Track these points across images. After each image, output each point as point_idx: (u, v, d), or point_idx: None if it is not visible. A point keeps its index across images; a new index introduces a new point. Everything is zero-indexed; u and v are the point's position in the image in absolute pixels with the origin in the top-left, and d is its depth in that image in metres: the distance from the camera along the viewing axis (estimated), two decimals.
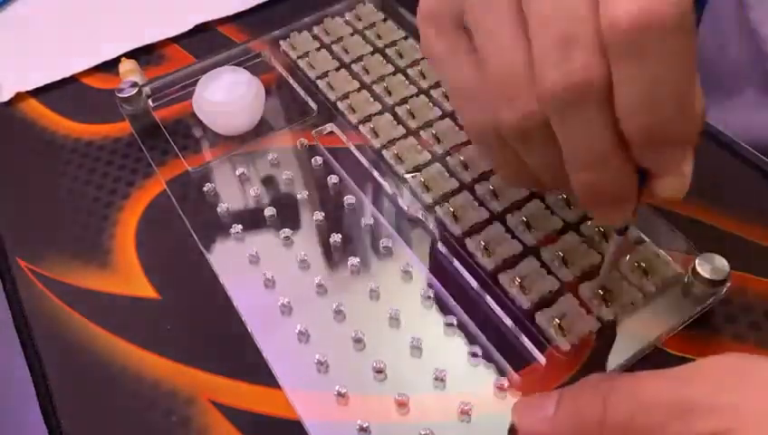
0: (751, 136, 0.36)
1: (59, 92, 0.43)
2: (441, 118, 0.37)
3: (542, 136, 0.22)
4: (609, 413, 0.21)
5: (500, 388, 0.27)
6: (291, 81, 0.40)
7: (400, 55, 0.40)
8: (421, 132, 0.36)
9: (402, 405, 0.27)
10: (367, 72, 0.40)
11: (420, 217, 0.33)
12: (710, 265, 0.28)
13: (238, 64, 0.40)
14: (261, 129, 0.38)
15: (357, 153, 0.36)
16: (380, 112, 0.37)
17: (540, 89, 0.20)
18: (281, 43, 0.43)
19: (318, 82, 0.40)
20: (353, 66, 0.40)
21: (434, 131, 0.36)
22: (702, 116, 0.21)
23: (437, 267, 0.31)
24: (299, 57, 0.41)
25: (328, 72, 0.40)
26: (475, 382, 0.27)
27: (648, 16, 0.18)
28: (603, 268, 0.28)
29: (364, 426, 0.26)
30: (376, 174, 0.35)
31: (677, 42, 0.18)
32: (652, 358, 0.28)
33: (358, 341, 0.29)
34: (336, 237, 0.32)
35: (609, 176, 0.21)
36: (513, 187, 0.31)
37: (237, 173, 0.36)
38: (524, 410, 0.24)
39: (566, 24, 0.19)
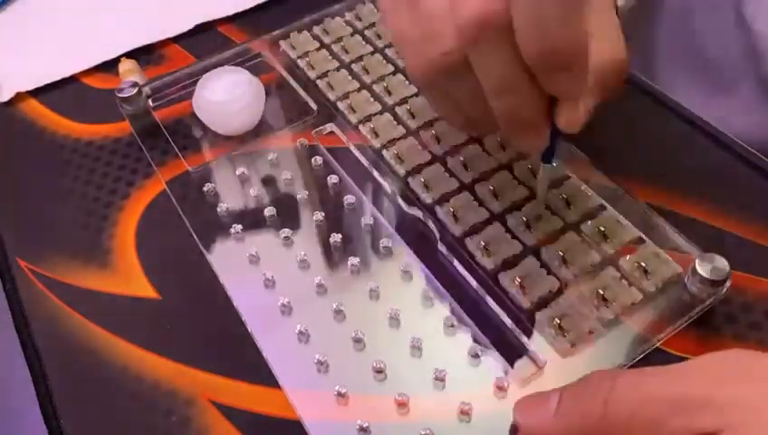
0: (748, 134, 0.36)
1: (59, 92, 0.43)
2: (441, 118, 0.37)
3: (464, 71, 0.25)
4: (611, 409, 0.21)
5: (500, 388, 0.27)
6: (291, 81, 0.40)
7: (400, 55, 0.40)
8: (421, 132, 0.36)
9: (402, 405, 0.27)
10: (367, 71, 0.40)
11: (420, 217, 0.33)
12: (710, 265, 0.28)
13: (238, 64, 0.40)
14: (261, 129, 0.38)
15: (357, 153, 0.36)
16: (380, 112, 0.37)
17: (457, 24, 0.24)
18: (281, 43, 0.43)
19: (318, 81, 0.40)
20: (353, 66, 0.40)
21: (434, 131, 0.36)
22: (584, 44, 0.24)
23: (437, 267, 0.31)
24: (299, 57, 0.41)
25: (328, 72, 0.40)
26: (475, 382, 0.27)
27: None
28: (538, 197, 0.31)
29: (364, 426, 0.26)
30: (376, 174, 0.35)
31: None
32: (652, 358, 0.28)
33: (358, 341, 0.29)
34: (336, 237, 0.32)
35: (520, 100, 0.25)
36: (457, 129, 0.33)
37: (237, 173, 0.36)
38: (526, 407, 0.24)
39: None
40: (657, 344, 0.28)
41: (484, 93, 0.25)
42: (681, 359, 0.28)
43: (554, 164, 0.30)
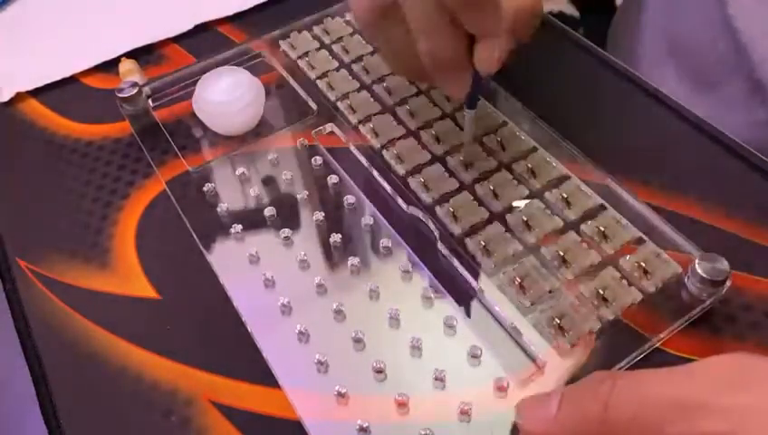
0: (735, 132, 0.36)
1: (59, 92, 0.43)
2: (441, 118, 0.37)
3: (395, 13, 0.27)
4: (612, 411, 0.21)
5: (500, 388, 0.27)
6: (291, 81, 0.40)
7: None
8: (421, 132, 0.36)
9: (402, 405, 0.27)
10: (367, 72, 0.40)
11: (420, 216, 0.33)
12: (710, 265, 0.28)
13: (238, 64, 0.40)
14: (261, 129, 0.38)
15: (357, 153, 0.36)
16: (380, 112, 0.37)
17: None
18: (281, 43, 0.43)
19: (318, 82, 0.40)
20: (353, 66, 0.40)
21: (434, 132, 0.36)
22: None
23: (437, 267, 0.31)
24: (299, 57, 0.41)
25: (328, 72, 0.40)
26: (475, 382, 0.27)
27: None
28: (465, 143, 0.34)
29: (364, 426, 0.26)
30: (376, 174, 0.35)
31: None
32: (652, 358, 0.28)
33: (358, 341, 0.29)
34: (336, 237, 0.32)
35: (441, 42, 0.27)
36: (399, 75, 0.37)
37: (237, 173, 0.36)
38: (527, 408, 0.24)
39: None
40: (657, 344, 0.28)
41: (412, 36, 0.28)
42: (681, 359, 0.28)
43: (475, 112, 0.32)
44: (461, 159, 0.34)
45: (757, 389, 0.19)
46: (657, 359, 0.28)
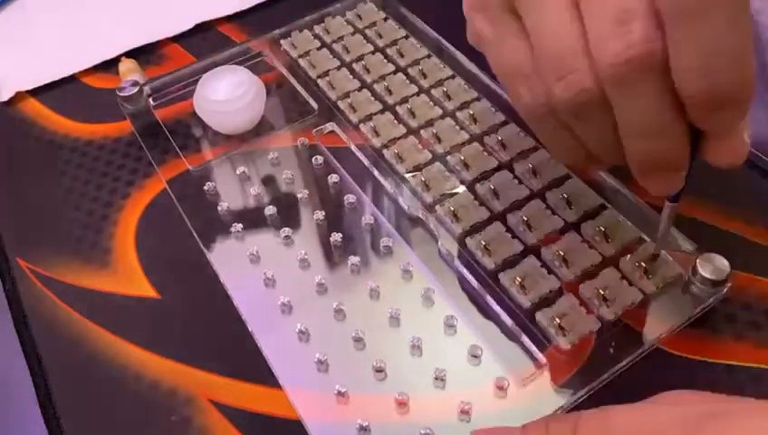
0: (755, 126, 0.36)
1: (59, 92, 0.43)
2: (442, 117, 0.37)
3: (597, 110, 0.23)
4: None
5: (500, 388, 0.27)
6: (291, 80, 0.40)
7: (401, 54, 0.40)
8: (422, 132, 0.36)
9: (402, 404, 0.27)
10: (367, 71, 0.40)
11: (421, 216, 0.33)
12: (711, 265, 0.28)
13: (239, 64, 0.40)
14: (261, 128, 0.38)
15: (357, 152, 0.36)
16: (381, 112, 0.37)
17: (600, 63, 0.21)
18: (281, 42, 0.43)
19: (318, 81, 0.40)
20: (354, 65, 0.40)
21: (434, 131, 0.36)
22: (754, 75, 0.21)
23: (438, 267, 0.31)
24: (299, 56, 0.41)
25: (328, 71, 0.40)
26: (476, 382, 0.27)
27: None
28: (660, 237, 0.28)
29: (364, 425, 0.26)
30: (376, 173, 0.35)
31: (732, 3, 0.20)
32: (652, 358, 0.28)
33: (358, 340, 0.29)
34: (336, 237, 0.32)
35: (665, 142, 0.22)
36: (564, 163, 0.32)
37: (238, 172, 0.36)
38: None
39: (622, 2, 0.21)
40: (658, 344, 0.28)
41: (617, 132, 0.23)
42: (681, 359, 0.28)
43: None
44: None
45: (723, 403, 0.20)
46: (658, 359, 0.28)
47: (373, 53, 0.41)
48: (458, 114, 0.37)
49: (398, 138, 0.36)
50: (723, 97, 0.21)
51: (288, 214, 0.34)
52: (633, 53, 0.21)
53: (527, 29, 0.23)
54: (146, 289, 0.32)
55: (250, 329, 0.30)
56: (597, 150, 0.25)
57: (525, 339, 0.28)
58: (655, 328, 0.28)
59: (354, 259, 0.31)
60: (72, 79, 0.43)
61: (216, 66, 0.39)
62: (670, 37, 0.20)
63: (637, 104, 0.22)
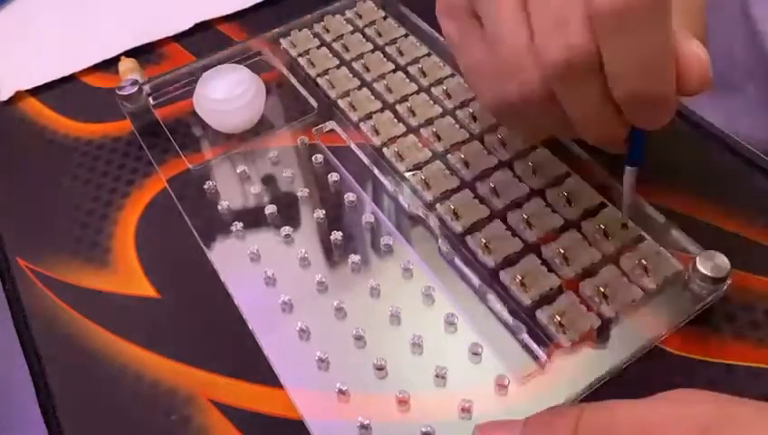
0: (752, 135, 0.36)
1: (59, 91, 0.43)
2: (442, 115, 0.37)
3: (547, 104, 0.25)
4: (582, 431, 0.21)
5: (501, 385, 0.27)
6: (291, 79, 0.40)
7: (401, 53, 0.40)
8: (422, 130, 0.36)
9: (403, 403, 0.27)
10: (367, 69, 0.40)
11: (421, 214, 0.33)
12: (711, 263, 0.28)
13: (238, 63, 0.40)
14: (261, 127, 0.38)
15: (357, 151, 0.36)
16: (381, 110, 0.37)
17: (543, 62, 0.23)
18: (281, 41, 0.43)
19: (318, 79, 0.40)
20: (354, 64, 0.40)
21: (434, 129, 0.36)
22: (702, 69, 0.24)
23: (438, 265, 0.31)
24: (299, 55, 0.41)
25: (328, 69, 0.40)
26: (476, 380, 0.27)
27: (625, 3, 0.21)
28: (624, 203, 0.30)
29: (365, 423, 0.26)
30: (376, 172, 0.35)
31: (654, 19, 0.22)
32: (653, 357, 0.28)
33: (359, 338, 0.29)
34: (337, 235, 0.32)
35: (607, 130, 0.26)
36: (532, 143, 0.35)
37: (238, 171, 0.36)
38: (488, 431, 0.24)
39: (561, 8, 0.23)
40: (658, 343, 0.28)
41: (566, 117, 0.25)
42: (681, 358, 0.28)
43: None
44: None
45: (722, 403, 0.20)
46: (658, 358, 0.28)
47: (373, 51, 0.41)
48: (458, 112, 0.37)
49: (398, 136, 0.36)
50: (647, 100, 0.23)
51: (288, 213, 0.34)
52: (571, 54, 0.23)
53: (486, 32, 0.25)
54: (146, 288, 0.32)
55: (250, 328, 0.30)
56: (552, 132, 0.29)
57: (526, 336, 0.28)
58: (655, 326, 0.28)
59: (354, 258, 0.31)
60: (71, 78, 0.43)
61: (215, 65, 0.39)
62: (601, 44, 0.22)
63: (578, 100, 0.24)
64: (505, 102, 0.26)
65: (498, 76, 0.25)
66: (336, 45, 0.42)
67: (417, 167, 0.35)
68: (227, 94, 0.37)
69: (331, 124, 0.38)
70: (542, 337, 0.28)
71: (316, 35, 0.43)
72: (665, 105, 0.24)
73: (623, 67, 0.23)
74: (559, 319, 0.28)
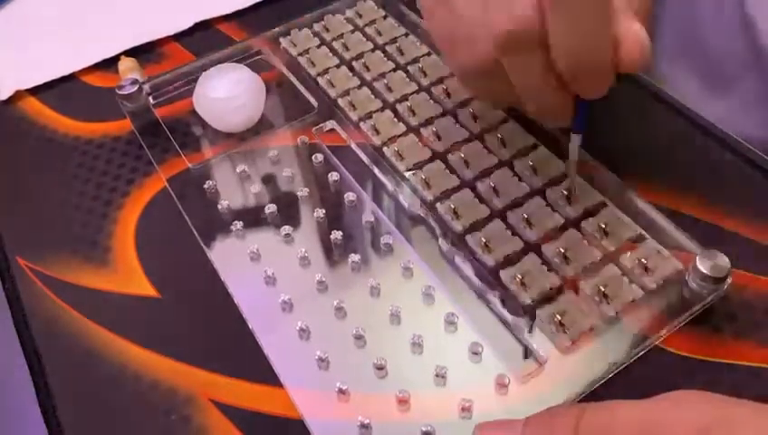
0: (747, 133, 0.36)
1: (58, 90, 0.43)
2: (442, 115, 0.37)
3: (497, 72, 0.27)
4: (583, 431, 0.21)
5: (501, 385, 0.27)
6: (291, 78, 0.40)
7: (401, 52, 0.40)
8: (422, 129, 0.36)
9: (403, 402, 0.27)
10: (367, 69, 0.40)
11: (421, 214, 0.33)
12: (711, 262, 0.28)
13: (238, 62, 0.40)
14: (261, 126, 0.38)
15: (357, 150, 0.36)
16: (381, 109, 0.37)
17: (491, 33, 0.25)
18: (281, 40, 0.43)
19: (318, 79, 0.40)
20: (354, 63, 0.40)
21: (434, 128, 0.36)
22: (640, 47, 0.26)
23: (438, 264, 0.31)
24: (299, 54, 0.41)
25: (328, 69, 0.40)
26: (476, 379, 0.27)
27: None
28: (569, 168, 0.32)
29: (365, 423, 0.26)
30: (376, 171, 0.35)
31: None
32: (653, 357, 0.28)
33: (359, 338, 0.29)
34: (337, 235, 0.32)
35: (551, 100, 0.28)
36: (497, 109, 0.37)
37: (238, 170, 0.36)
38: (489, 430, 0.24)
39: None
40: (659, 342, 0.28)
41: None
42: (682, 358, 0.28)
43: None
44: (563, 192, 0.32)
45: (721, 404, 0.20)
46: (658, 358, 0.28)
47: (373, 50, 0.41)
48: (458, 112, 0.37)
49: (399, 135, 0.36)
50: (587, 72, 0.26)
51: (288, 212, 0.34)
52: (516, 26, 0.25)
53: (449, 4, 0.27)
54: (146, 288, 0.32)
55: (250, 327, 0.30)
56: (507, 100, 0.31)
57: (526, 336, 0.28)
58: (655, 325, 0.28)
59: (354, 257, 0.31)
60: (71, 77, 0.43)
61: (215, 64, 0.39)
62: (546, 18, 0.24)
63: (523, 70, 0.26)
64: (464, 70, 0.29)
65: (458, 45, 0.28)
66: (336, 45, 0.42)
67: (418, 166, 0.35)
68: (227, 93, 0.37)
69: (331, 123, 0.38)
70: (543, 336, 0.28)
71: (316, 35, 0.43)
72: (603, 77, 0.26)
73: (564, 40, 0.25)
74: (559, 318, 0.28)
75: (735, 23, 0.42)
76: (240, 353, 0.29)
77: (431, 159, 0.35)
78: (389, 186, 0.34)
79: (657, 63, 0.49)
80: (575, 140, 0.31)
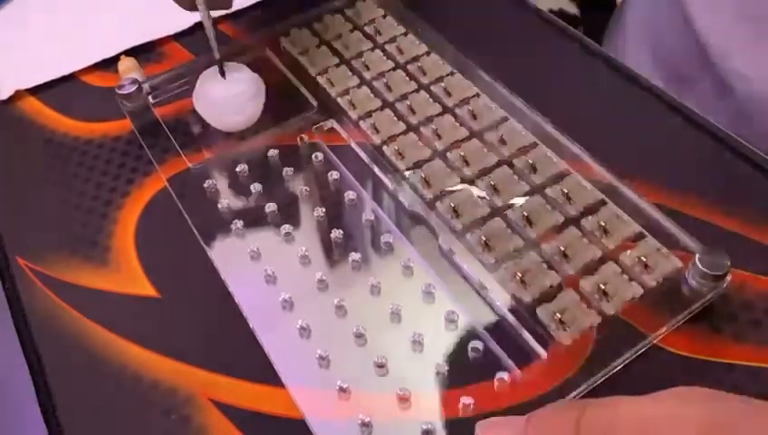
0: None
1: (58, 90, 0.43)
2: (441, 114, 0.37)
3: None
4: (584, 432, 0.21)
5: (502, 383, 0.27)
6: (291, 77, 0.40)
7: (400, 51, 0.40)
8: (422, 128, 0.36)
9: (404, 400, 0.27)
10: (367, 68, 0.40)
11: (421, 212, 0.33)
12: (710, 260, 0.28)
13: (238, 61, 0.40)
14: (261, 125, 0.38)
15: (357, 149, 0.36)
16: (381, 108, 0.37)
17: None
18: (281, 39, 0.43)
19: (318, 78, 0.40)
20: (353, 62, 0.40)
21: (434, 127, 0.36)
22: None
23: (438, 263, 0.31)
24: (299, 54, 0.41)
25: (328, 68, 0.40)
26: (477, 378, 0.27)
27: None
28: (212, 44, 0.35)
29: (366, 421, 0.26)
30: (376, 170, 0.35)
31: None
32: (652, 356, 0.28)
33: (359, 336, 0.29)
34: (337, 233, 0.32)
35: None
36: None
37: (238, 170, 0.36)
38: (492, 428, 0.24)
39: None
40: (658, 340, 0.28)
41: None
42: (681, 357, 0.28)
43: None
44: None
45: (725, 401, 0.20)
46: (658, 357, 0.28)
47: (372, 49, 0.41)
48: (458, 111, 0.37)
49: (398, 134, 0.36)
50: None
51: (288, 211, 0.34)
52: None
53: None
54: (146, 288, 0.32)
55: (251, 326, 0.30)
56: None
57: (526, 334, 0.28)
58: (655, 323, 0.28)
59: (355, 256, 0.31)
60: (71, 77, 0.43)
61: (215, 64, 0.39)
62: None
63: None
64: None
65: None
66: (336, 44, 0.42)
67: (417, 165, 0.35)
68: (227, 93, 0.37)
69: (330, 123, 0.38)
70: (543, 335, 0.28)
71: (316, 34, 0.43)
72: None
73: None
74: (559, 316, 0.28)
75: (682, 24, 0.43)
76: (240, 353, 0.29)
77: (431, 158, 0.35)
78: (389, 184, 0.34)
79: (625, 57, 0.49)
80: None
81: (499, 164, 0.34)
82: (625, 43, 0.50)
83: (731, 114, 0.43)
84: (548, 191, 0.33)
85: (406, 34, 0.42)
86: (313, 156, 0.36)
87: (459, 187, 0.33)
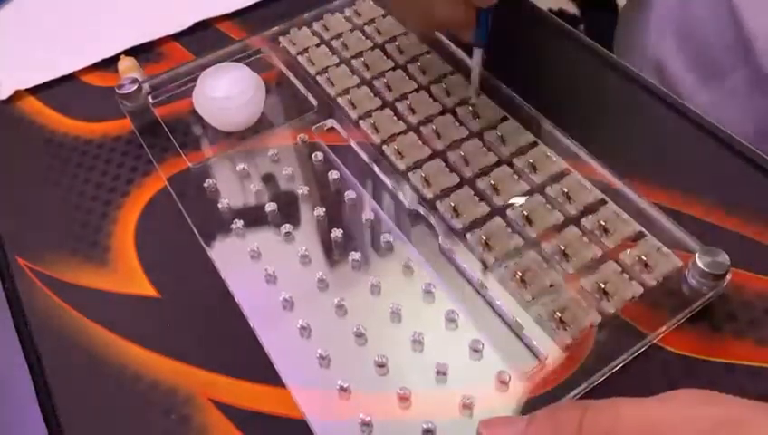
0: (737, 123, 0.36)
1: (58, 90, 0.43)
2: (441, 113, 0.37)
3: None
4: (586, 432, 0.20)
5: (502, 382, 0.27)
6: (291, 77, 0.40)
7: (400, 51, 0.40)
8: (421, 128, 0.36)
9: (404, 399, 0.27)
10: (367, 67, 0.40)
11: (421, 212, 0.33)
12: (710, 259, 0.28)
13: (238, 61, 0.40)
14: (261, 125, 0.38)
15: (357, 149, 0.36)
16: (380, 108, 0.37)
17: None
18: (280, 39, 0.43)
19: (318, 77, 0.40)
20: (353, 62, 0.40)
21: (434, 127, 0.36)
22: None
23: (438, 262, 0.31)
24: (299, 53, 0.41)
25: (328, 67, 0.40)
26: (477, 377, 0.27)
27: None
28: (473, 82, 0.37)
29: (366, 420, 0.26)
30: (376, 169, 0.35)
31: None
32: (653, 356, 0.28)
33: (359, 336, 0.29)
34: (337, 233, 0.32)
35: (451, 12, 0.33)
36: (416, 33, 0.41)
37: (238, 169, 0.36)
38: (493, 428, 0.24)
39: None
40: (658, 339, 0.28)
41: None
42: (681, 357, 0.28)
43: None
44: (469, 109, 0.35)
45: (728, 404, 0.20)
46: (658, 356, 0.28)
47: (372, 49, 0.41)
48: (458, 110, 0.37)
49: (398, 134, 0.36)
50: None
51: (288, 211, 0.34)
52: None
53: None
54: (146, 287, 0.32)
55: (251, 325, 0.30)
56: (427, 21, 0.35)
57: (527, 333, 0.28)
58: (655, 322, 0.28)
59: (355, 255, 0.31)
60: (71, 77, 0.43)
61: (215, 63, 0.39)
62: None
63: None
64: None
65: None
66: (335, 43, 0.42)
67: (417, 164, 0.35)
68: (227, 93, 0.37)
69: (330, 122, 0.38)
70: (543, 334, 0.28)
71: (315, 33, 0.43)
72: None
73: None
74: (559, 315, 0.28)
75: (724, 16, 0.43)
76: (240, 353, 0.29)
77: (431, 158, 0.35)
78: (389, 184, 0.34)
79: (648, 51, 0.49)
80: (477, 54, 0.35)
81: (499, 163, 0.34)
82: (650, 41, 0.50)
83: (762, 111, 0.43)
84: (548, 191, 0.33)
85: (405, 34, 0.42)
86: (313, 155, 0.36)
87: (459, 186, 0.33)
